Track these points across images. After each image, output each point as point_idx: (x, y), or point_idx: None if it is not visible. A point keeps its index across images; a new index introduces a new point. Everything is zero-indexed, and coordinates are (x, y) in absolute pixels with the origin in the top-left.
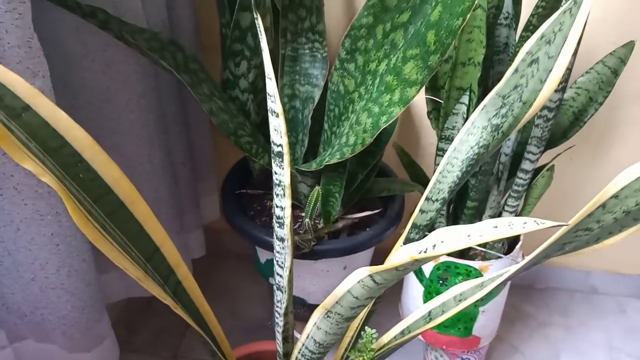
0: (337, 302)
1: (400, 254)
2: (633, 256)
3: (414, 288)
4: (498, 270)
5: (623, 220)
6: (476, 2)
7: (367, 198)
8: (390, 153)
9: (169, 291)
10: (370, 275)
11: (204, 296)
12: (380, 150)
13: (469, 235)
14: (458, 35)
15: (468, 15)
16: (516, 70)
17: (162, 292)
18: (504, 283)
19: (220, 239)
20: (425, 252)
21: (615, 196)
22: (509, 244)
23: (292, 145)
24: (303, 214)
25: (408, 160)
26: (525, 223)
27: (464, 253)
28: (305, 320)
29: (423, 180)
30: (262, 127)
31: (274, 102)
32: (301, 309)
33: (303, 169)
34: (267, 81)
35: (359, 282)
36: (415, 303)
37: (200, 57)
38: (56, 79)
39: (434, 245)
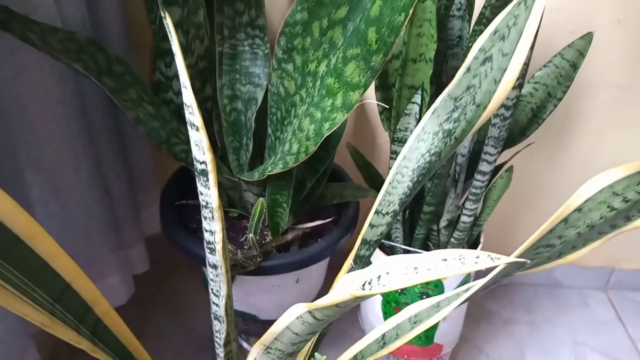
0: (276, 339)
1: (343, 286)
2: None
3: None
4: (457, 279)
5: (587, 234)
6: None
7: (320, 205)
8: (345, 154)
9: (87, 332)
10: (310, 312)
11: (154, 311)
12: (329, 155)
13: (415, 268)
14: (407, 29)
15: (411, 10)
16: (468, 70)
17: (76, 336)
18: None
19: (169, 247)
20: (370, 283)
21: (579, 209)
22: (469, 248)
23: (236, 150)
24: None
25: (362, 161)
26: (477, 258)
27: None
28: (259, 336)
29: (378, 182)
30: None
31: (192, 114)
32: (253, 325)
33: (245, 179)
34: (183, 90)
35: (298, 317)
36: (374, 311)
37: (131, 57)
38: None
39: (379, 277)
